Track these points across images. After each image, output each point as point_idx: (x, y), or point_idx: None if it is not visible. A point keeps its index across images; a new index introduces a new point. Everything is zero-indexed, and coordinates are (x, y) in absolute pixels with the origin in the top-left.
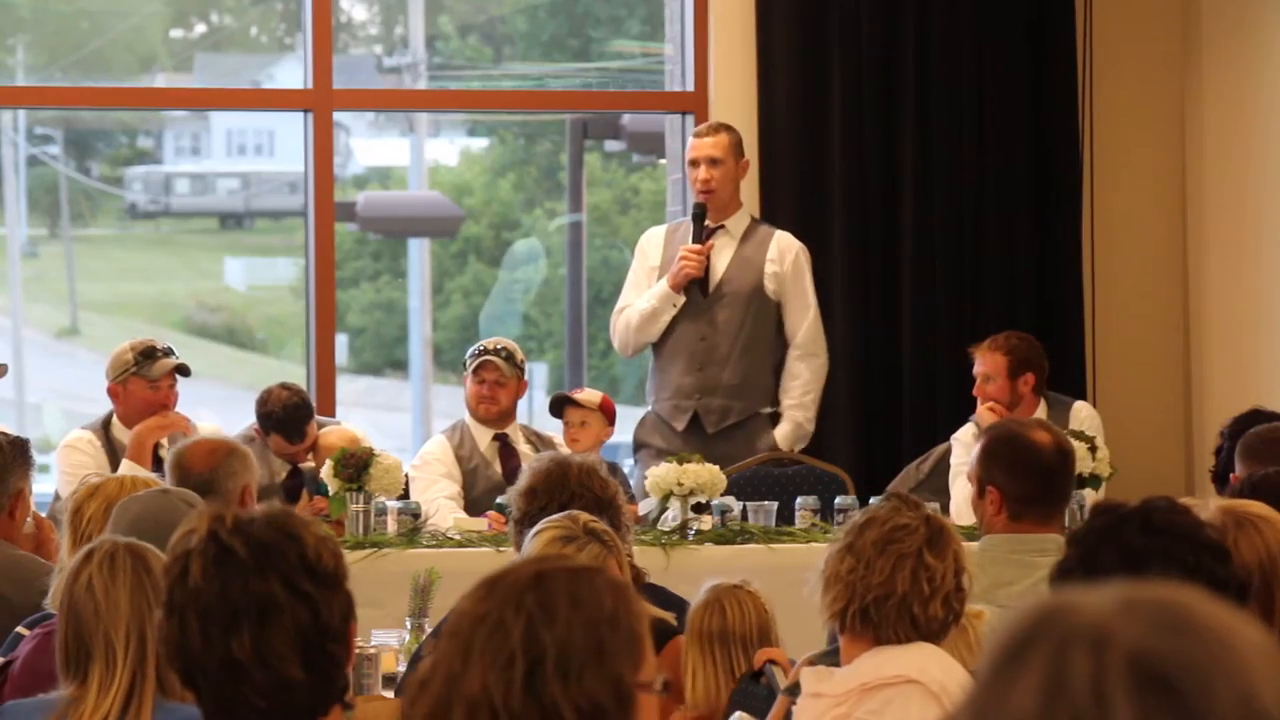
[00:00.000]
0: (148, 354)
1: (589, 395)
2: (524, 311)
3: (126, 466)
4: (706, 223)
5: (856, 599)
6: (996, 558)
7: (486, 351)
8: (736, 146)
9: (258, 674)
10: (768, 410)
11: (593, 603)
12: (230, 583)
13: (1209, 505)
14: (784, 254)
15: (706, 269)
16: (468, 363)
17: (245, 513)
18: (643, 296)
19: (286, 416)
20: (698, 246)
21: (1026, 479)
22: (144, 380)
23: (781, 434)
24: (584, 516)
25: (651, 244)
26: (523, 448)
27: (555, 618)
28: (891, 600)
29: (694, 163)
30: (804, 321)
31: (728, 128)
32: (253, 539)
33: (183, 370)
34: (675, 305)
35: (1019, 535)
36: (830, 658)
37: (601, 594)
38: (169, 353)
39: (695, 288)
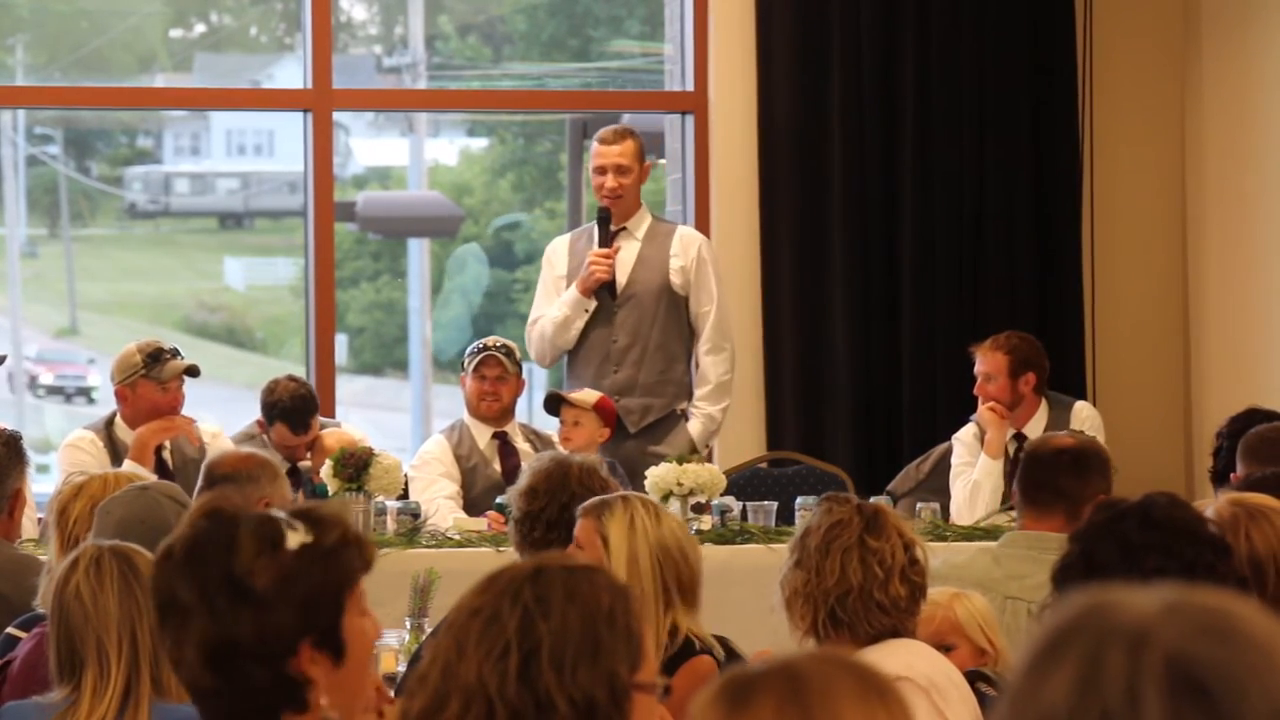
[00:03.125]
0: (156, 356)
1: (584, 395)
2: (475, 315)
3: (129, 467)
4: (610, 226)
5: (821, 607)
6: (1014, 554)
7: (487, 348)
8: (641, 152)
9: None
10: (685, 405)
11: (590, 598)
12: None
13: (1217, 498)
14: (687, 248)
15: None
16: (466, 361)
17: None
18: (554, 305)
19: (293, 406)
20: (605, 250)
21: (1021, 470)
22: (154, 383)
23: (694, 430)
24: None
25: (557, 253)
26: (522, 446)
27: (551, 610)
28: (852, 595)
29: (600, 170)
30: (708, 316)
31: (632, 133)
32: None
33: (192, 371)
34: (587, 310)
35: (1035, 533)
36: None
37: (599, 591)
38: (176, 354)
39: (604, 291)
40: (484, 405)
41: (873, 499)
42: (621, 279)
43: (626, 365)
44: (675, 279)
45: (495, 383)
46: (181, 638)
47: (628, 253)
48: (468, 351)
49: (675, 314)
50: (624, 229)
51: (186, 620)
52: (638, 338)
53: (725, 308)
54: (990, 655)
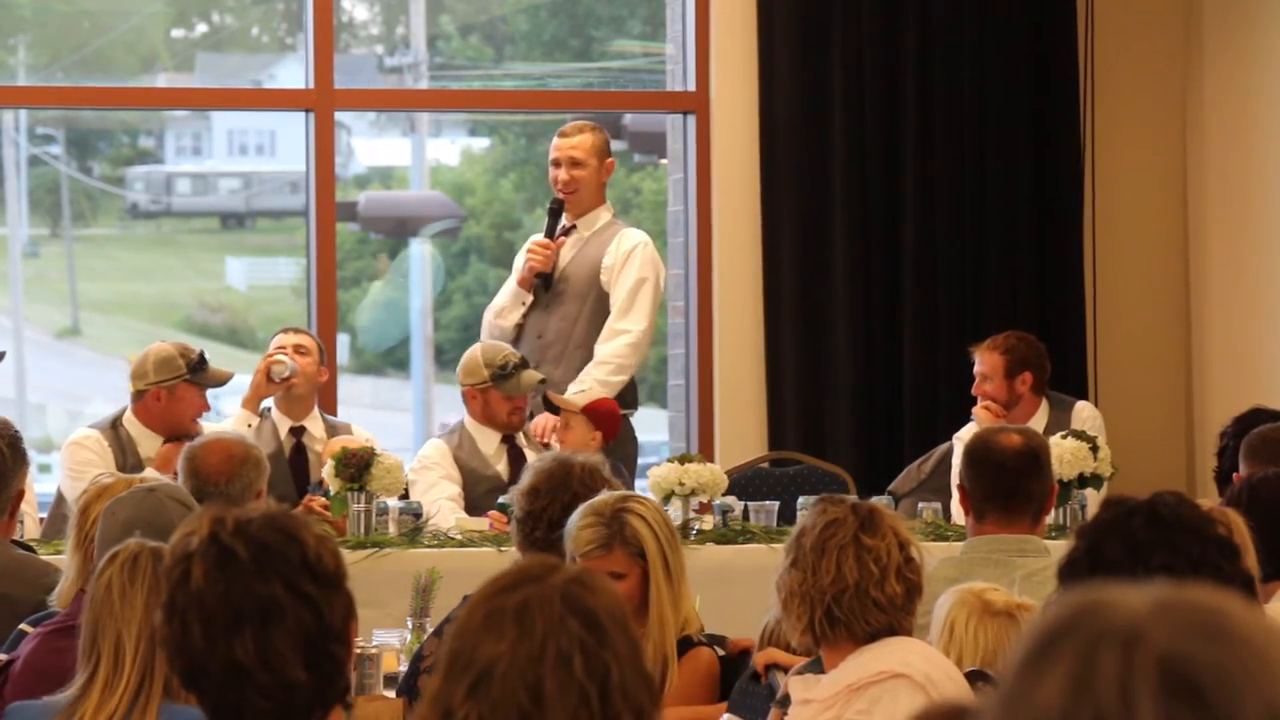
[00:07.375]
0: (201, 362)
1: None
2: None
3: (149, 474)
4: (562, 223)
5: (817, 606)
6: (975, 559)
7: (518, 367)
8: (600, 148)
9: (261, 675)
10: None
11: (617, 608)
12: (232, 586)
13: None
14: (619, 247)
15: (555, 267)
16: (493, 378)
17: (245, 513)
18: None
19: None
20: (545, 241)
21: (984, 477)
22: (197, 387)
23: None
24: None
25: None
26: (526, 448)
27: (605, 635)
28: (847, 593)
29: (556, 163)
30: (619, 297)
31: (594, 128)
32: (254, 541)
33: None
34: (524, 303)
35: (997, 536)
36: (816, 666)
37: (615, 597)
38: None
39: (540, 286)
40: (515, 420)
41: (874, 499)
42: (556, 277)
43: (546, 363)
44: (603, 277)
45: (521, 398)
46: (271, 637)
47: (569, 251)
48: (494, 367)
49: (601, 315)
50: (574, 227)
51: (277, 617)
52: (560, 335)
53: (642, 299)
54: None
